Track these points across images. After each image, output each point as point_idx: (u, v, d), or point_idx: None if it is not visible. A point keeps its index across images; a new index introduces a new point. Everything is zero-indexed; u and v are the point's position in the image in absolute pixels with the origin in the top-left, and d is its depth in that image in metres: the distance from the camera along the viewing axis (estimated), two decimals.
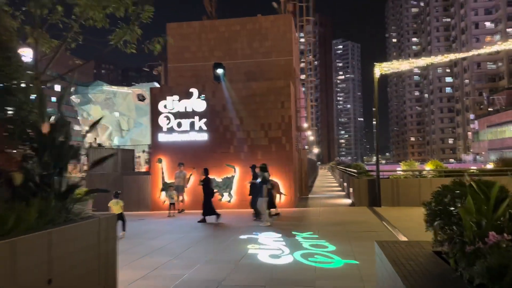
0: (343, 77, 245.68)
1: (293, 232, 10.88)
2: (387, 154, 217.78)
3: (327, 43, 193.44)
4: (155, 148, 17.70)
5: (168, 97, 17.59)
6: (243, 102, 17.31)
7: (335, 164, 53.38)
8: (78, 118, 40.19)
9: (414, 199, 16.02)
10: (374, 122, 16.24)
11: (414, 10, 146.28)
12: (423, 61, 14.90)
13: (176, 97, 17.53)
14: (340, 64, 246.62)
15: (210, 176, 17.16)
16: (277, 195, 16.83)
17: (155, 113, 17.73)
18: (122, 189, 17.90)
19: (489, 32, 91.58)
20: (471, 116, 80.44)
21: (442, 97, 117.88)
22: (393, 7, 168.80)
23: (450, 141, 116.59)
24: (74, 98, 38.70)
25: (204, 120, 17.41)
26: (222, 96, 17.42)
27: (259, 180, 13.30)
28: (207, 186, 13.94)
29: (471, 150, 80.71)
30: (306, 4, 25.95)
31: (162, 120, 17.60)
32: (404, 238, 9.55)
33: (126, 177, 18.05)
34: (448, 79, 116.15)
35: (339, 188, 28.24)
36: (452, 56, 15.40)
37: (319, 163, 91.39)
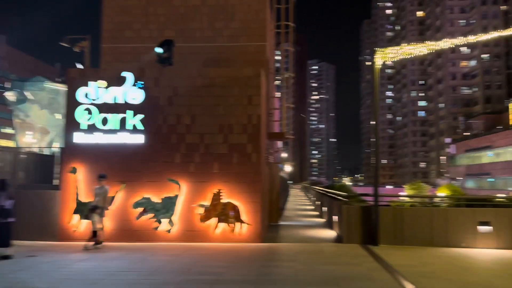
0: (317, 97, 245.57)
1: None
2: (358, 176, 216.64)
3: (303, 62, 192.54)
4: (68, 152, 12.65)
5: (91, 83, 12.69)
6: (197, 94, 12.65)
7: (309, 184, 49.18)
8: (13, 119, 34.37)
9: (424, 235, 11.66)
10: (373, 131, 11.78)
11: (389, 33, 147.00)
12: (444, 43, 10.82)
13: (103, 83, 12.67)
14: (315, 84, 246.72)
15: (146, 195, 12.35)
16: (237, 224, 12.18)
17: (71, 104, 12.73)
18: (20, 208, 12.69)
19: (465, 57, 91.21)
20: (447, 140, 78.64)
21: (415, 121, 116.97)
22: (368, 30, 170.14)
23: (422, 165, 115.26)
24: (9, 96, 32.94)
25: (140, 116, 12.56)
26: (168, 85, 12.71)
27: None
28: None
29: (446, 175, 78.58)
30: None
31: (81, 114, 12.65)
32: None
33: (25, 192, 12.85)
34: (422, 103, 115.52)
35: (316, 213, 23.74)
36: (473, 39, 11.37)
37: (290, 182, 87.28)
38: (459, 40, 10.71)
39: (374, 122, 12.08)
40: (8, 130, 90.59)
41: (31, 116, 33.13)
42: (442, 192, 12.44)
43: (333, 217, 14.95)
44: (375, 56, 11.68)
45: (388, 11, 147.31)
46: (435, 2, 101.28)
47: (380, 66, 11.67)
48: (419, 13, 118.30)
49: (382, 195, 12.39)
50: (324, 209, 19.42)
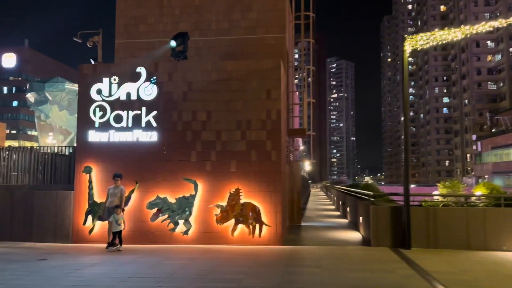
0: (336, 95, 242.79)
1: None
2: (379, 174, 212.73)
3: (321, 61, 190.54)
4: (82, 151, 12.20)
5: (104, 79, 12.23)
6: (213, 89, 12.01)
7: (330, 183, 48.12)
8: (35, 120, 34.61)
9: (459, 238, 10.74)
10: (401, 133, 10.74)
11: (410, 29, 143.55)
12: (481, 26, 9.82)
13: (115, 79, 12.19)
14: (334, 83, 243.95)
15: (161, 195, 11.81)
16: (256, 225, 11.48)
17: (84, 101, 12.33)
18: (33, 210, 12.35)
19: (490, 51, 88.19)
20: (473, 137, 76.01)
21: (438, 118, 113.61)
22: (389, 27, 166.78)
23: (447, 163, 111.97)
24: (29, 96, 33.11)
25: (154, 113, 12.02)
26: (183, 79, 12.12)
27: None
28: None
29: (472, 173, 75.99)
30: None
31: (94, 111, 12.20)
32: None
33: (38, 193, 12.47)
34: (445, 100, 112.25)
35: (338, 213, 22.85)
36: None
37: (310, 181, 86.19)
38: (499, 22, 9.73)
39: (403, 118, 11.20)
40: (34, 133, 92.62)
41: (51, 117, 33.23)
42: (478, 191, 11.44)
43: (359, 218, 14.10)
44: (404, 44, 10.79)
45: (409, 6, 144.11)
46: None
47: (409, 55, 10.80)
48: (441, 8, 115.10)
49: (413, 194, 11.47)
50: (348, 209, 18.55)
